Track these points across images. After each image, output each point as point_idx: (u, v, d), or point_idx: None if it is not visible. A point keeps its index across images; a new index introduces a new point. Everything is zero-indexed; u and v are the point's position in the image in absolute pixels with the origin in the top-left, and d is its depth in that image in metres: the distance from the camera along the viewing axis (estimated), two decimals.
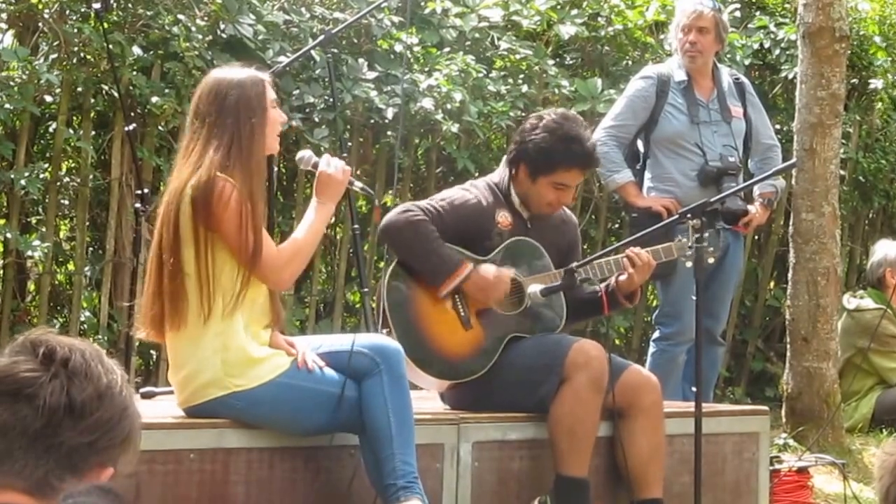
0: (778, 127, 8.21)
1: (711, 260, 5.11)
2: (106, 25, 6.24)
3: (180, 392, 4.47)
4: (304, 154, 4.73)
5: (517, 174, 5.23)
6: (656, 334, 6.84)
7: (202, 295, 4.29)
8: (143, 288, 4.52)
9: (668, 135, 6.67)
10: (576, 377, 4.91)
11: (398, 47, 7.29)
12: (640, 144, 6.79)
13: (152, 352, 7.02)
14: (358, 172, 7.40)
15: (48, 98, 6.77)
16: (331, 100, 6.72)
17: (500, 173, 5.32)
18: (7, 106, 6.29)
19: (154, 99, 6.57)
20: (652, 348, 6.84)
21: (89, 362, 2.11)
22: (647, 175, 6.75)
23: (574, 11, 7.93)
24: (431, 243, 5.04)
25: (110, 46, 6.23)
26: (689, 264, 5.06)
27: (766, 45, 8.46)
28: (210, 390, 4.35)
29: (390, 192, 7.59)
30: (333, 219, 7.63)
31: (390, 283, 5.08)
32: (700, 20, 6.68)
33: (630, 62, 8.09)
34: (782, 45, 8.41)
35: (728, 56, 8.04)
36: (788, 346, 7.35)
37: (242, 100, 4.35)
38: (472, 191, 5.26)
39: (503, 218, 5.21)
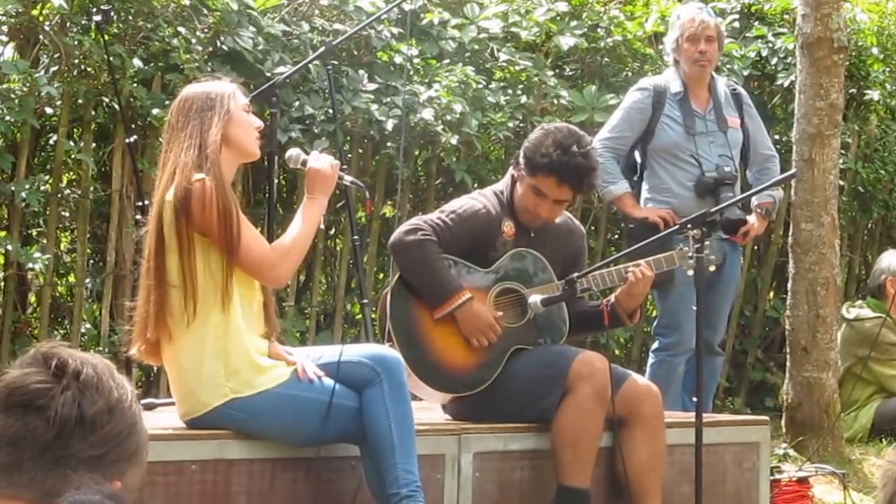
0: (777, 137, 8.22)
1: (713, 268, 5.12)
2: (106, 38, 6.25)
3: (181, 403, 4.47)
4: (293, 152, 4.73)
5: (516, 175, 5.25)
6: (655, 345, 6.84)
7: (195, 299, 4.30)
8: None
9: (665, 146, 6.68)
10: (580, 388, 4.92)
11: (398, 59, 7.31)
12: (637, 156, 6.80)
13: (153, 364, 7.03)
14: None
15: (49, 110, 6.78)
16: (331, 111, 6.73)
17: (506, 181, 5.34)
18: (7, 118, 6.30)
19: (154, 111, 6.58)
20: (651, 359, 6.84)
21: (101, 376, 2.11)
22: (645, 186, 6.76)
23: (573, 23, 7.95)
24: (434, 264, 5.05)
25: (111, 58, 6.25)
26: (690, 272, 5.08)
27: (764, 55, 8.47)
28: (210, 400, 4.36)
29: (390, 203, 7.61)
30: (333, 230, 7.65)
31: (393, 296, 5.09)
32: (708, 29, 6.71)
33: (630, 73, 8.10)
34: (780, 54, 8.43)
35: (727, 66, 8.06)
36: (788, 356, 7.35)
37: (206, 103, 4.40)
38: (481, 199, 5.27)
39: (508, 227, 5.22)
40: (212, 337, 4.32)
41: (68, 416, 2.07)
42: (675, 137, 6.67)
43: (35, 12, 6.61)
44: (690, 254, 5.03)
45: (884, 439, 7.67)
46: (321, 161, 4.54)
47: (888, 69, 8.94)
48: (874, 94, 8.76)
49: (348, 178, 4.75)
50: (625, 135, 6.72)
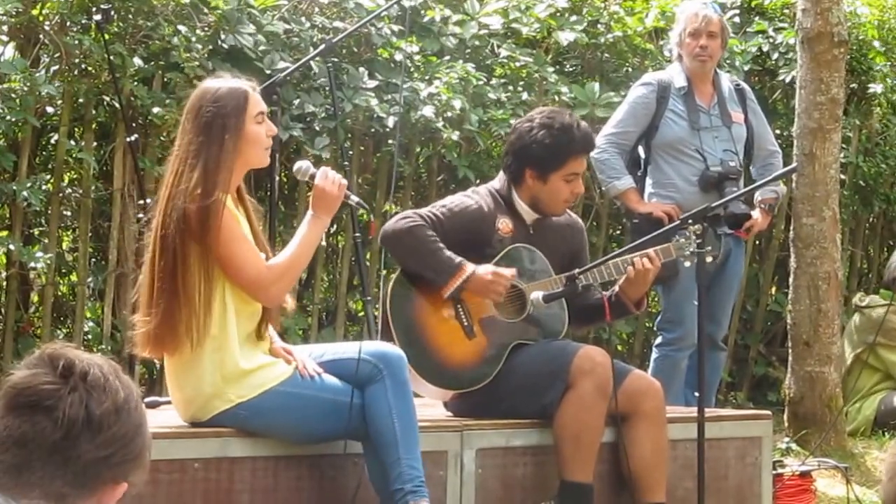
0: (778, 132, 8.22)
1: (710, 259, 5.13)
2: (107, 37, 6.26)
3: (185, 410, 4.48)
4: (302, 165, 4.72)
5: (523, 180, 5.23)
6: (659, 340, 6.85)
7: (197, 316, 4.30)
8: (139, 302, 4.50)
9: (669, 141, 6.69)
10: (581, 383, 4.92)
11: (398, 56, 7.31)
12: (641, 151, 6.80)
13: (156, 362, 7.03)
14: (359, 181, 7.42)
15: (50, 109, 6.78)
16: (331, 109, 6.73)
17: (501, 179, 5.33)
18: (8, 118, 6.31)
19: (155, 109, 6.58)
20: (654, 354, 6.85)
21: (108, 377, 2.12)
22: (649, 181, 6.77)
23: (573, 18, 7.95)
24: (431, 246, 5.05)
25: (111, 57, 6.26)
26: (687, 264, 5.09)
27: (765, 50, 8.47)
28: (215, 403, 4.37)
29: (391, 200, 7.61)
30: (335, 227, 7.65)
31: (392, 294, 5.10)
32: (710, 25, 6.71)
33: (630, 69, 8.11)
34: (781, 49, 8.43)
35: (728, 62, 8.05)
36: (790, 350, 7.36)
37: (217, 118, 4.35)
38: (474, 197, 5.27)
39: (504, 225, 5.22)
40: (209, 345, 4.32)
41: (76, 417, 2.08)
42: (679, 132, 6.67)
43: (35, 12, 6.62)
44: (691, 247, 5.04)
45: (886, 433, 7.67)
46: (328, 180, 4.50)
47: (890, 63, 8.94)
48: (877, 88, 8.75)
49: (354, 199, 4.72)
50: (629, 130, 6.72)
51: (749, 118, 6.89)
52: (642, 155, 6.80)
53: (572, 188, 5.23)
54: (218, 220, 4.27)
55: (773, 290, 8.89)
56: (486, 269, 5.08)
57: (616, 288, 5.24)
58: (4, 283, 6.83)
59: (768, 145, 6.99)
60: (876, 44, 8.86)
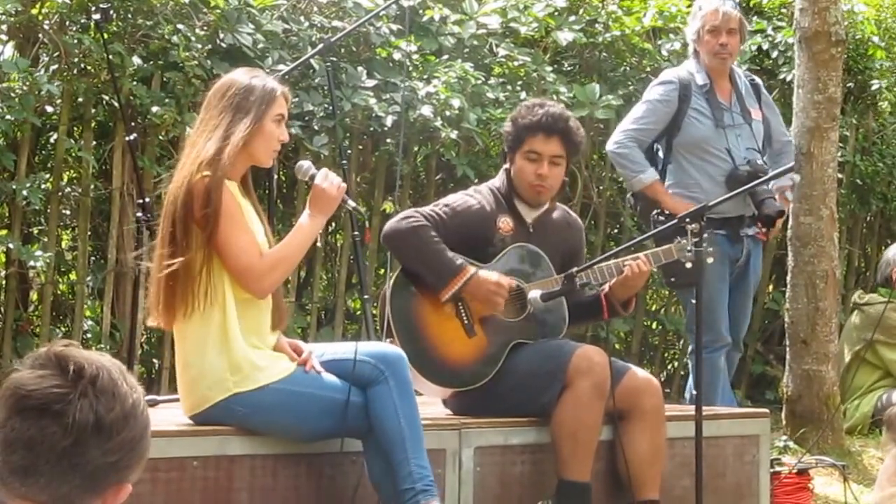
0: None
1: (710, 260, 5.12)
2: (106, 36, 6.26)
3: (186, 396, 4.51)
4: (304, 164, 4.76)
5: (509, 167, 5.30)
6: (692, 347, 6.73)
7: (195, 281, 4.36)
8: (145, 295, 4.56)
9: (695, 140, 6.59)
10: (578, 383, 4.94)
11: (397, 55, 7.32)
12: (659, 151, 6.69)
13: (154, 361, 7.05)
14: (357, 180, 7.43)
15: (49, 108, 6.79)
16: (330, 108, 6.74)
17: (501, 177, 5.36)
18: (8, 117, 6.32)
19: (154, 108, 6.59)
20: (693, 360, 6.70)
21: (116, 381, 2.10)
22: (669, 181, 6.63)
23: (572, 18, 7.96)
24: (433, 247, 5.07)
25: (110, 57, 6.25)
26: (688, 265, 5.09)
27: (764, 49, 8.48)
28: (214, 393, 4.40)
29: (390, 199, 7.62)
30: (333, 226, 7.66)
31: (393, 291, 5.11)
32: (730, 22, 6.65)
33: (627, 68, 8.12)
34: (780, 47, 8.43)
35: None
36: (788, 348, 7.37)
37: (243, 101, 4.45)
38: (475, 196, 5.29)
39: (504, 223, 5.23)
40: (214, 331, 4.37)
41: (85, 423, 2.06)
42: (704, 131, 6.58)
43: (34, 11, 6.62)
44: (689, 248, 5.04)
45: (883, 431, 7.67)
46: (328, 181, 4.55)
47: (890, 61, 8.93)
48: (879, 84, 8.73)
49: (351, 203, 4.76)
50: (649, 127, 6.60)
51: (763, 111, 6.83)
52: (661, 155, 6.69)
53: (535, 169, 5.21)
54: (219, 194, 4.33)
55: (771, 288, 8.90)
56: (489, 276, 5.11)
57: (605, 288, 5.25)
58: (4, 282, 6.83)
59: (782, 136, 6.94)
60: (875, 39, 8.85)
